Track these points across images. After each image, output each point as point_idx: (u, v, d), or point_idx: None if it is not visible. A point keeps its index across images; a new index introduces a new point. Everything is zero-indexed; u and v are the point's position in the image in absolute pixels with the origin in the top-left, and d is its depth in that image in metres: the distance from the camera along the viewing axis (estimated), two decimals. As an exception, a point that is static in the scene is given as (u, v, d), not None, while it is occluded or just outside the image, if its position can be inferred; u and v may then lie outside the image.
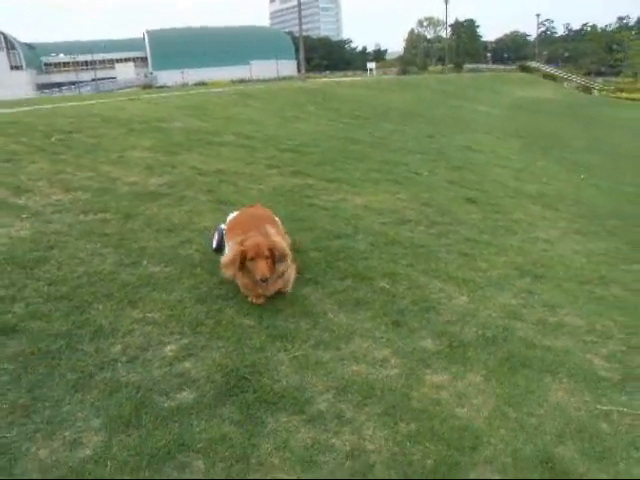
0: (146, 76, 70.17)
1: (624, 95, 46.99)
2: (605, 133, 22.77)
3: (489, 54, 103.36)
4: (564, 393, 3.64)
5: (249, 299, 4.21)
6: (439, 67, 71.69)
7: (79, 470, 2.57)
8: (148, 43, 77.92)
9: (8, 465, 2.57)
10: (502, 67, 69.65)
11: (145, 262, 4.60)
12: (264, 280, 4.02)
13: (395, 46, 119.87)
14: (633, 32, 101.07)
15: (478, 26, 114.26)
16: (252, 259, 4.03)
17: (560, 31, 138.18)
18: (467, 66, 70.78)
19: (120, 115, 10.26)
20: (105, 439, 2.77)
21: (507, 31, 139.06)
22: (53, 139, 7.84)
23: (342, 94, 19.89)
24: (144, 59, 79.95)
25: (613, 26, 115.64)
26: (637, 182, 12.78)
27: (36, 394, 3.02)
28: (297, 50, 69.19)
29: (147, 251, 4.80)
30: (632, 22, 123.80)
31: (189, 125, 9.90)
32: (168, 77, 64.48)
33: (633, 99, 44.60)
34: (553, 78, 53.56)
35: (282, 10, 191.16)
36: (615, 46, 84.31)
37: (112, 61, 79.01)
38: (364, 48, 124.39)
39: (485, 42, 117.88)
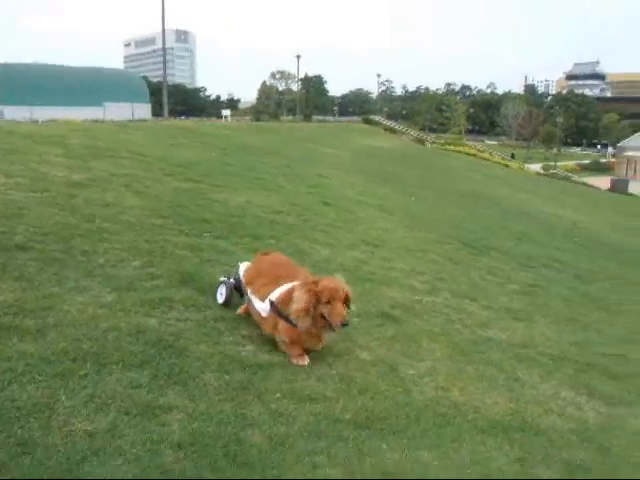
0: (-10, 111, 66.48)
1: (452, 148, 53.76)
2: (434, 176, 26.50)
3: (336, 107, 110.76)
4: (394, 293, 5.87)
5: (292, 360, 3.92)
6: (290, 117, 75.81)
7: (108, 305, 4.21)
8: (-8, 76, 73.84)
9: (56, 304, 4.11)
10: (348, 119, 75.20)
11: (98, 220, 6.20)
12: (345, 324, 3.83)
13: (248, 96, 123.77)
14: (458, 97, 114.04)
15: (326, 82, 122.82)
16: (328, 302, 3.80)
17: (398, 91, 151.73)
18: (316, 117, 75.65)
19: (17, 130, 11.44)
20: (116, 296, 4.42)
21: (352, 88, 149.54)
22: (-25, 144, 9.03)
23: (208, 132, 21.68)
24: (-14, 93, 75.34)
25: (442, 90, 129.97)
26: (451, 206, 16.00)
27: (60, 276, 4.59)
28: (152, 94, 69.82)
29: (96, 215, 6.38)
30: (457, 88, 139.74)
31: (87, 143, 11.28)
32: (15, 113, 61.25)
33: (459, 151, 51.28)
34: (393, 131, 59.22)
35: (137, 55, 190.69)
36: (444, 107, 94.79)
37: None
38: (218, 96, 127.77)
39: (332, 97, 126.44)
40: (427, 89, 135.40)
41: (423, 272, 7.08)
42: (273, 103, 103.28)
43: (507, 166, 53.15)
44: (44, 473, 2.44)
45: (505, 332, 5.52)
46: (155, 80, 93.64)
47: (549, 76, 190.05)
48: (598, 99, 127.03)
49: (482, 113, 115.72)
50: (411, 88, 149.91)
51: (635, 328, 7.03)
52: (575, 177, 59.89)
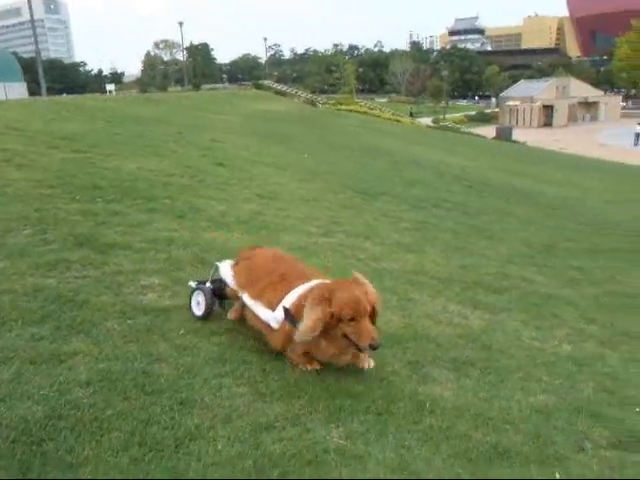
0: None
1: (343, 107, 54.45)
2: (326, 135, 26.81)
3: (225, 75, 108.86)
4: (291, 237, 6.12)
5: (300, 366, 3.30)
6: (178, 88, 73.77)
7: (0, 271, 4.16)
8: None
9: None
10: (238, 86, 74.09)
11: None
12: (375, 347, 3.06)
13: (132, 69, 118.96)
14: (346, 57, 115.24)
15: (212, 49, 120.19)
16: (352, 319, 3.05)
17: (287, 54, 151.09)
18: (205, 86, 73.94)
19: None
20: (9, 263, 4.38)
21: (240, 54, 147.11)
22: None
23: (92, 105, 20.87)
24: None
25: (330, 51, 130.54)
26: (344, 160, 16.42)
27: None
28: (26, 72, 65.57)
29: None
30: (345, 48, 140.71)
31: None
32: None
33: (350, 110, 52.08)
34: (284, 94, 59.04)
35: (0, 27, 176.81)
36: (333, 68, 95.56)
37: None
38: (100, 71, 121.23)
39: (220, 64, 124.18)
40: (315, 51, 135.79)
41: (318, 218, 7.36)
42: (159, 74, 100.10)
43: (398, 121, 54.48)
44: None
45: (398, 263, 5.91)
46: (27, 56, 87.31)
47: (433, 32, 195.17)
48: (479, 53, 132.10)
49: (371, 72, 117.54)
50: (299, 51, 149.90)
51: (516, 252, 7.67)
52: (463, 128, 62.29)
